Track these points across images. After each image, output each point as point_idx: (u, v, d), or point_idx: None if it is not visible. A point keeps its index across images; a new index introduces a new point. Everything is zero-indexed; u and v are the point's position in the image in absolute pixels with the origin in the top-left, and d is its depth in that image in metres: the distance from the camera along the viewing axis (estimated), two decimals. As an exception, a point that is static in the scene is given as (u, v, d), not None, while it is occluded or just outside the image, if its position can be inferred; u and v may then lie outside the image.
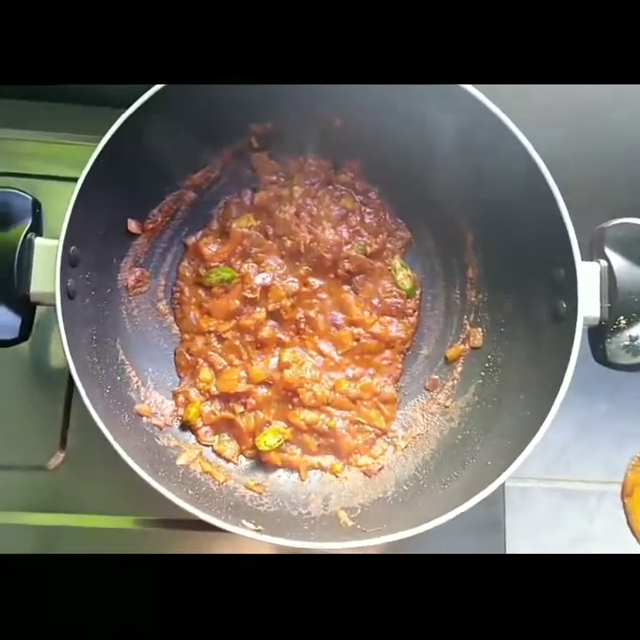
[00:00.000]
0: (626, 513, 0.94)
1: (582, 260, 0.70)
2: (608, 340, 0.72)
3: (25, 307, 0.69)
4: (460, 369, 0.87)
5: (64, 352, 0.65)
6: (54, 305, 0.66)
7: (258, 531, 0.68)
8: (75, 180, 0.67)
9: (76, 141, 0.93)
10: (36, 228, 0.70)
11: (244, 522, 0.70)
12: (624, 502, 0.95)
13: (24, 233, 0.69)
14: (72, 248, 0.68)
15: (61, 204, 0.67)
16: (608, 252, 0.72)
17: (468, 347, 0.87)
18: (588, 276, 0.71)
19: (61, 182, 0.90)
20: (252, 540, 0.65)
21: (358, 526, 0.75)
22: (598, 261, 0.72)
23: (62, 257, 0.66)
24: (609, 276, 0.72)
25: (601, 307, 0.71)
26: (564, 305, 0.71)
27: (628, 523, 0.94)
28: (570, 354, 0.68)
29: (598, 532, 0.94)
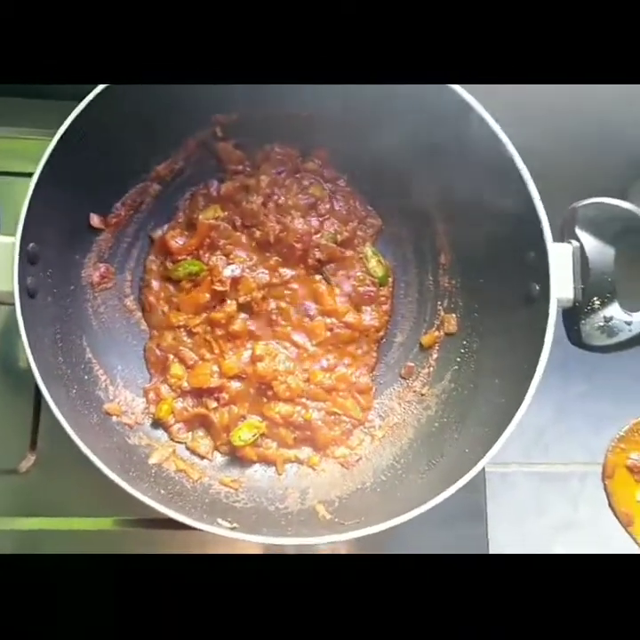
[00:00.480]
0: (607, 494, 0.94)
1: (554, 241, 0.69)
2: (582, 321, 0.72)
3: (-17, 307, 0.68)
4: (435, 356, 0.86)
5: (25, 352, 0.64)
6: (14, 304, 0.64)
7: (233, 528, 0.67)
8: (33, 175, 0.66)
9: (37, 136, 0.90)
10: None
11: (219, 520, 0.69)
12: (605, 484, 0.95)
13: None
14: (31, 245, 0.67)
15: (21, 201, 0.65)
16: (579, 232, 0.72)
17: (442, 333, 0.86)
18: (559, 257, 0.70)
19: (21, 178, 0.85)
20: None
21: (336, 519, 0.74)
22: (570, 242, 0.72)
23: (20, 254, 0.64)
24: (581, 256, 0.71)
25: (574, 288, 0.71)
26: (537, 287, 0.71)
27: (610, 504, 0.94)
28: (544, 336, 0.67)
29: (581, 517, 0.94)
